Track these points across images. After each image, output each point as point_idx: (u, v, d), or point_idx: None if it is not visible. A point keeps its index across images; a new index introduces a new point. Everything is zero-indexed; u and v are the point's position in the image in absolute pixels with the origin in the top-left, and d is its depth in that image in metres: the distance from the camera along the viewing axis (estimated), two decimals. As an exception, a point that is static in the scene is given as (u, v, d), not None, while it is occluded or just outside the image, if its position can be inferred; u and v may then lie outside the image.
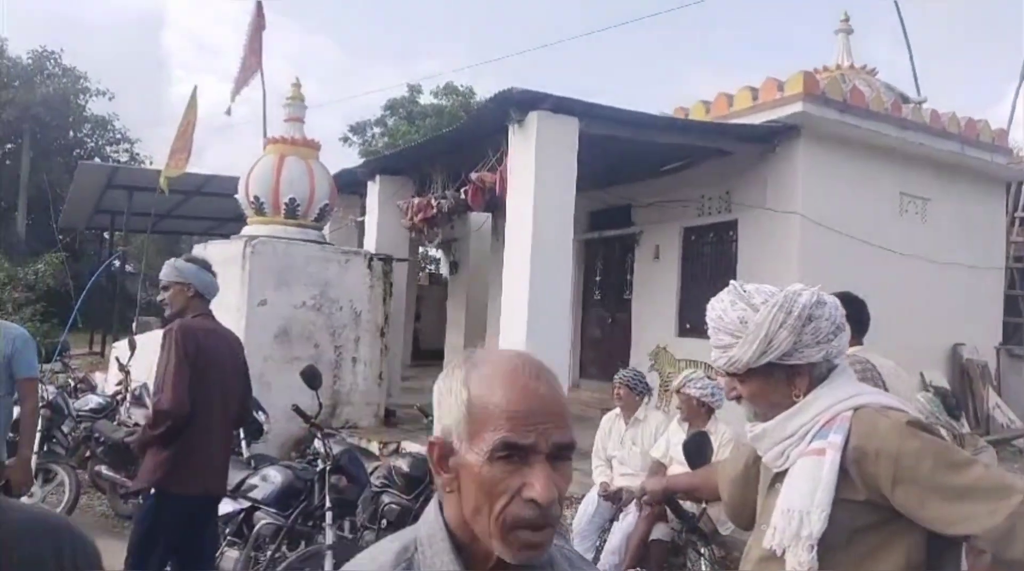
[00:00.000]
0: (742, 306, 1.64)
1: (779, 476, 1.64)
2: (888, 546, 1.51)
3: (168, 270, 3.69)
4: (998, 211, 10.50)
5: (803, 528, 1.50)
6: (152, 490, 3.52)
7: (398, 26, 71.65)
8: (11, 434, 4.00)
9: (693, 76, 61.77)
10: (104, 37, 42.36)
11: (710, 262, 9.66)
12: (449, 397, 1.01)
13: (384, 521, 4.77)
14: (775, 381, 1.63)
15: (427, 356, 16.09)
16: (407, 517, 4.64)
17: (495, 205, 9.77)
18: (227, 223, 14.07)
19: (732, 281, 1.74)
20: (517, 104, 7.13)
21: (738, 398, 1.71)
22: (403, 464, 4.93)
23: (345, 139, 22.06)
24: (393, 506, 4.72)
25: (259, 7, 10.83)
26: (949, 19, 57.38)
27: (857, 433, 1.52)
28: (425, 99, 21.43)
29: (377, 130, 21.86)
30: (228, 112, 10.91)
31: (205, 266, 3.72)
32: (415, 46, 66.70)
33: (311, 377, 4.56)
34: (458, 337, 14.62)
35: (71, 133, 22.31)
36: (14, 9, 39.35)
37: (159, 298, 3.84)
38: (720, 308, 1.69)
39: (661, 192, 9.83)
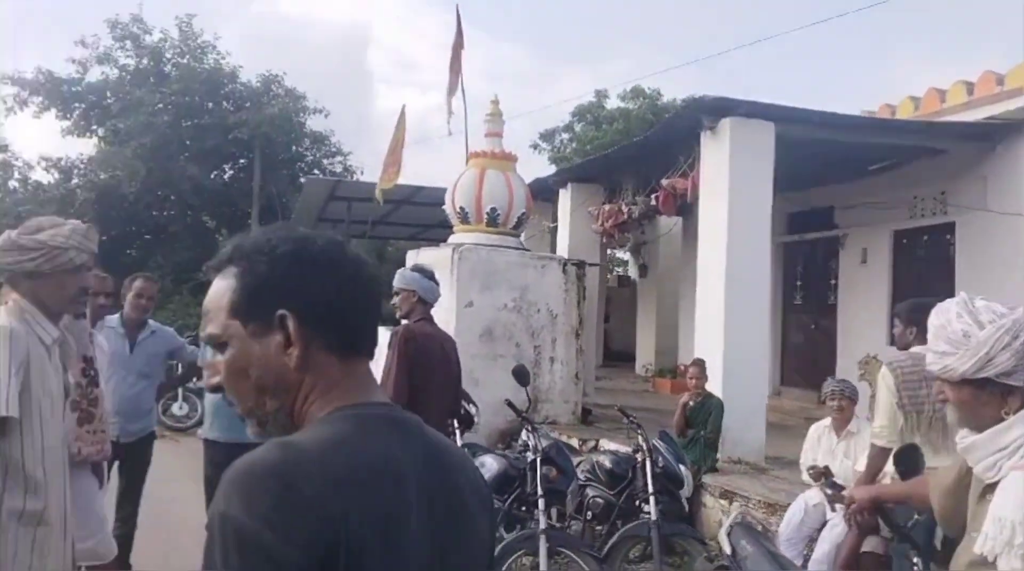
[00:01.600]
0: (968, 320, 1.73)
1: (990, 487, 1.71)
2: None
3: (397, 278, 4.29)
4: None
5: (1016, 537, 1.58)
6: None
7: (587, 29, 72.19)
8: None
9: (901, 69, 56.79)
10: (316, 56, 46.40)
11: (924, 267, 9.14)
12: None
13: (589, 513, 5.09)
14: (987, 395, 1.72)
15: (617, 357, 16.33)
16: (611, 511, 4.94)
17: (686, 209, 9.84)
18: (430, 229, 15.10)
19: (962, 294, 1.83)
20: (709, 111, 7.17)
21: (944, 401, 1.83)
22: (606, 460, 5.23)
23: (535, 146, 22.75)
24: (598, 499, 5.03)
25: (459, 28, 11.59)
26: None
27: None
28: (612, 103, 21.62)
29: (565, 136, 22.36)
30: (449, 133, 11.94)
31: (427, 274, 4.27)
32: (605, 48, 66.91)
33: (522, 375, 5.04)
34: (649, 339, 14.75)
35: (293, 148, 24.57)
36: (250, 35, 44.32)
37: (391, 302, 4.43)
38: (945, 317, 1.79)
39: (867, 193, 9.42)
